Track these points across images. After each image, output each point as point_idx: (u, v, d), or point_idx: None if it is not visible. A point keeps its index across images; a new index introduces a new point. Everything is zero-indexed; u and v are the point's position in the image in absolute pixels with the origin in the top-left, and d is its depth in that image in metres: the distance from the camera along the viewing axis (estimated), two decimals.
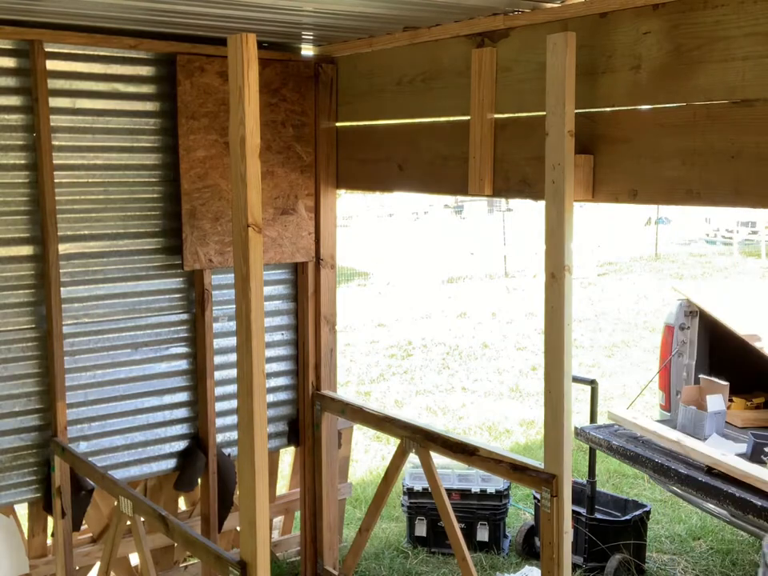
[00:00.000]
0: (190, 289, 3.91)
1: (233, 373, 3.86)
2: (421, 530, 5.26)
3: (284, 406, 4.29)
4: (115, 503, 3.25)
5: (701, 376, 5.19)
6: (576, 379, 3.63)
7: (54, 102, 3.42)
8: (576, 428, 4.88)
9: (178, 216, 3.70)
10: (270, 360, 4.12)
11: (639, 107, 2.68)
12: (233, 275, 3.35)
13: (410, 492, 5.28)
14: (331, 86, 3.96)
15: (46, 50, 3.37)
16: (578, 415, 3.60)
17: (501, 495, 5.18)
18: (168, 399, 3.93)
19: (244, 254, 2.27)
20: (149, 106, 3.69)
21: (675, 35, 2.51)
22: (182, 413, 3.98)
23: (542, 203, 2.81)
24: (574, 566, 4.50)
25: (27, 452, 3.59)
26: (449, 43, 3.29)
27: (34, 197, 3.45)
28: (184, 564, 4.43)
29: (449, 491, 4.19)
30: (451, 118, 3.35)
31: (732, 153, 2.41)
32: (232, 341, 3.93)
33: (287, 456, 5.20)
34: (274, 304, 4.17)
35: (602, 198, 2.81)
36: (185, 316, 3.92)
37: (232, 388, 3.94)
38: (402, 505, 5.38)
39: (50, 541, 3.90)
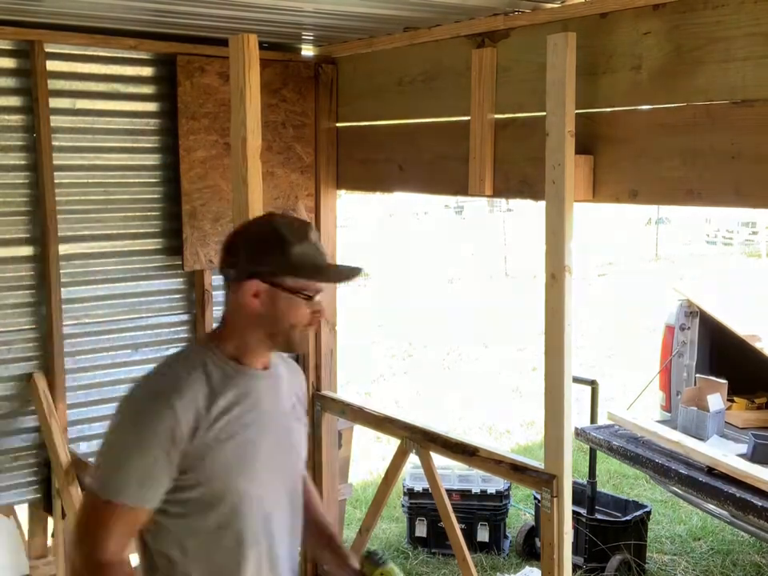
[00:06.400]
0: (190, 289, 3.90)
1: None
2: (421, 530, 5.26)
3: None
4: None
5: (698, 376, 5.19)
6: (576, 379, 3.62)
7: (54, 102, 3.42)
8: (576, 428, 4.87)
9: (178, 217, 3.69)
10: None
11: (639, 107, 2.68)
12: None
13: (410, 492, 5.27)
14: (331, 86, 3.96)
15: (46, 50, 3.36)
16: (578, 415, 3.61)
17: (501, 496, 5.18)
18: None
19: None
20: (149, 106, 3.69)
21: (675, 35, 2.51)
22: None
23: (542, 203, 2.81)
24: (575, 567, 4.49)
25: (27, 453, 3.58)
26: (449, 43, 3.29)
27: (34, 197, 3.45)
28: None
29: (449, 492, 4.18)
30: (451, 118, 3.35)
31: (732, 153, 2.41)
32: None
33: None
34: None
35: (603, 198, 2.81)
36: (185, 317, 3.92)
37: None
38: (403, 505, 5.37)
39: (50, 541, 3.89)
